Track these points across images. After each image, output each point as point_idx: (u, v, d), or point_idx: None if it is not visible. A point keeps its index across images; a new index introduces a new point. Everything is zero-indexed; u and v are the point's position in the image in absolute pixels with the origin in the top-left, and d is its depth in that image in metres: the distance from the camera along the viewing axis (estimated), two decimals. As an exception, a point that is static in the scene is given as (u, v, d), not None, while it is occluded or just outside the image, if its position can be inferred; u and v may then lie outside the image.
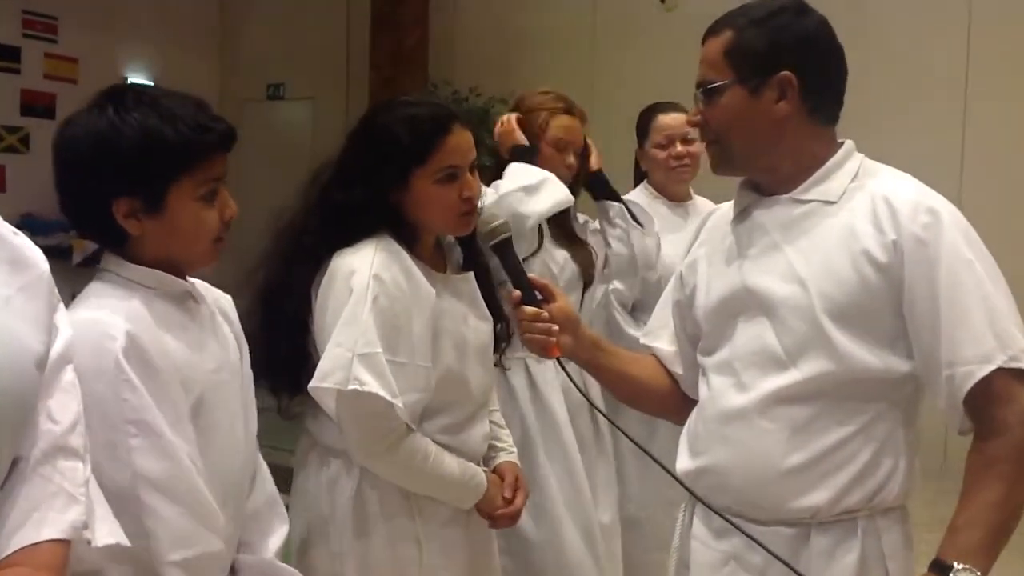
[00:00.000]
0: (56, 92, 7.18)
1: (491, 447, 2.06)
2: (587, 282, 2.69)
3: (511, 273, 1.74)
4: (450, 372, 1.89)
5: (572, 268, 2.66)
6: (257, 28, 8.38)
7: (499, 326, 2.04)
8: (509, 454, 2.09)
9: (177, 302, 1.54)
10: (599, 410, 2.02)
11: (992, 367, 1.41)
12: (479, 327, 1.98)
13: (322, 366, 1.77)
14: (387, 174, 1.85)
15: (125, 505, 1.31)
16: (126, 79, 7.85)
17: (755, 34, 1.55)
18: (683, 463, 1.66)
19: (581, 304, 2.66)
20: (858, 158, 1.61)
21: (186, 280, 1.58)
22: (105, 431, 1.33)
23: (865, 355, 1.49)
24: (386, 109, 1.93)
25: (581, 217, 2.84)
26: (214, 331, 1.58)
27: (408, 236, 1.89)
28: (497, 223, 1.78)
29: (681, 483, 1.61)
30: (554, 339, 1.67)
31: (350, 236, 1.86)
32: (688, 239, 3.02)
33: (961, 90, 5.39)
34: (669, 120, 3.07)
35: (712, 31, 1.60)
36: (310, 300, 1.87)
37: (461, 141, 1.88)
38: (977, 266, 1.45)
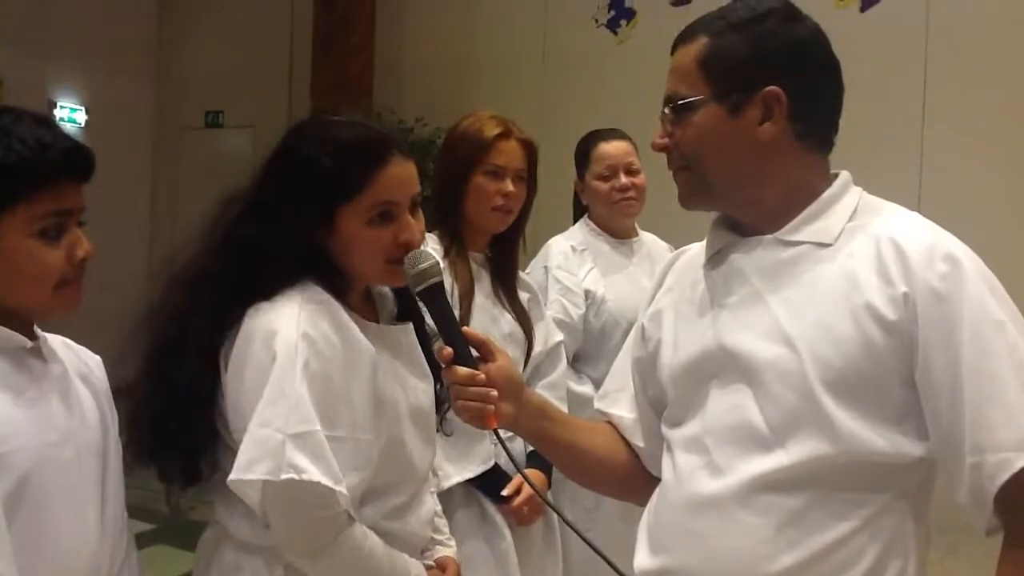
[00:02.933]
0: (-24, 116, 6.79)
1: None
2: (531, 343, 2.36)
3: (441, 325, 1.43)
4: (393, 443, 1.57)
5: (518, 330, 2.33)
6: (196, 53, 8.08)
7: (439, 386, 1.72)
8: (447, 547, 1.75)
9: (12, 359, 1.26)
10: (539, 494, 1.71)
11: None
12: (418, 387, 1.66)
13: (245, 454, 1.42)
14: (308, 210, 1.52)
15: None
16: (54, 104, 7.49)
17: (736, 41, 1.29)
18: (642, 560, 1.37)
19: (525, 365, 2.34)
20: (856, 192, 1.35)
21: (33, 333, 1.29)
22: None
23: (869, 435, 1.21)
24: (310, 129, 1.59)
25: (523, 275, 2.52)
26: (63, 398, 1.30)
27: (337, 283, 1.56)
28: (426, 265, 1.47)
29: None
30: (491, 406, 1.37)
31: (264, 284, 1.52)
32: (634, 278, 2.87)
33: (919, 118, 5.30)
34: (611, 149, 2.82)
35: (684, 37, 1.33)
36: (214, 365, 1.52)
37: (401, 174, 1.55)
38: (1009, 327, 1.19)
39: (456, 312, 2.15)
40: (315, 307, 1.50)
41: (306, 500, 1.43)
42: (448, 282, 2.17)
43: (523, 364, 2.32)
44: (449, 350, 1.39)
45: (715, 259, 1.38)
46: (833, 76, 1.33)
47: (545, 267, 2.77)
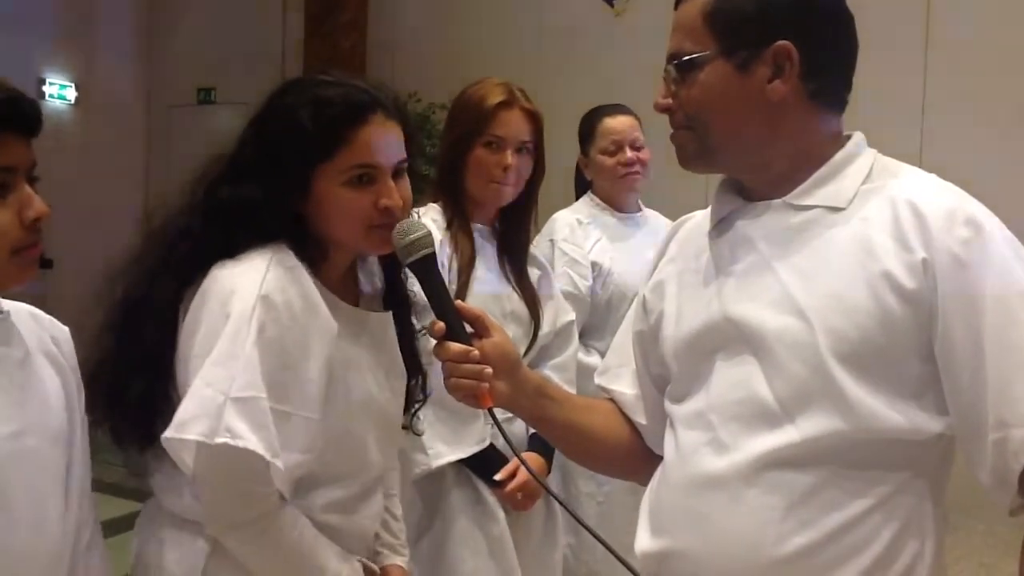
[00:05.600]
0: (-37, 93, 6.66)
1: (376, 536, 1.65)
2: (537, 324, 2.25)
3: (434, 299, 1.35)
4: (346, 434, 1.49)
5: (523, 309, 2.22)
6: (187, 30, 7.97)
7: (414, 382, 1.65)
8: (399, 555, 1.68)
9: None
10: (541, 482, 1.63)
11: None
12: (384, 380, 1.57)
13: (183, 411, 1.35)
14: (286, 169, 1.46)
15: None
16: (43, 80, 7.38)
17: None
18: (643, 543, 1.30)
19: (531, 346, 2.23)
20: (871, 153, 1.28)
21: None
22: None
23: (885, 410, 1.15)
24: (293, 88, 1.52)
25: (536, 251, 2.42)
26: (25, 382, 1.20)
27: (313, 252, 1.49)
28: (417, 235, 1.38)
29: (634, 572, 1.25)
30: (486, 385, 1.30)
31: (236, 246, 1.45)
32: (639, 250, 2.81)
33: (918, 114, 5.25)
34: (616, 124, 2.84)
35: None
36: (176, 325, 1.46)
37: (382, 135, 1.47)
38: None
39: (454, 285, 2.08)
40: (283, 271, 1.43)
41: (238, 469, 1.35)
42: (447, 254, 2.10)
43: (527, 345, 2.21)
44: (441, 325, 1.32)
45: (720, 226, 1.31)
46: (847, 30, 1.26)
47: (551, 240, 2.75)
